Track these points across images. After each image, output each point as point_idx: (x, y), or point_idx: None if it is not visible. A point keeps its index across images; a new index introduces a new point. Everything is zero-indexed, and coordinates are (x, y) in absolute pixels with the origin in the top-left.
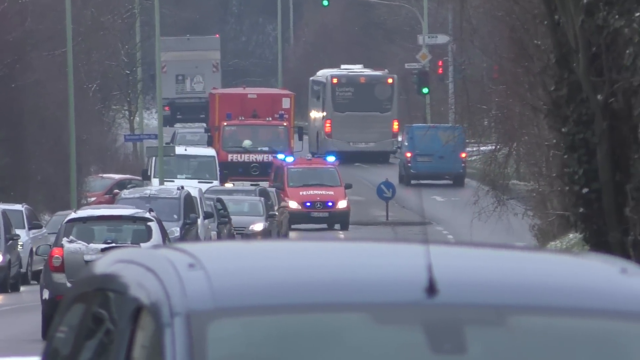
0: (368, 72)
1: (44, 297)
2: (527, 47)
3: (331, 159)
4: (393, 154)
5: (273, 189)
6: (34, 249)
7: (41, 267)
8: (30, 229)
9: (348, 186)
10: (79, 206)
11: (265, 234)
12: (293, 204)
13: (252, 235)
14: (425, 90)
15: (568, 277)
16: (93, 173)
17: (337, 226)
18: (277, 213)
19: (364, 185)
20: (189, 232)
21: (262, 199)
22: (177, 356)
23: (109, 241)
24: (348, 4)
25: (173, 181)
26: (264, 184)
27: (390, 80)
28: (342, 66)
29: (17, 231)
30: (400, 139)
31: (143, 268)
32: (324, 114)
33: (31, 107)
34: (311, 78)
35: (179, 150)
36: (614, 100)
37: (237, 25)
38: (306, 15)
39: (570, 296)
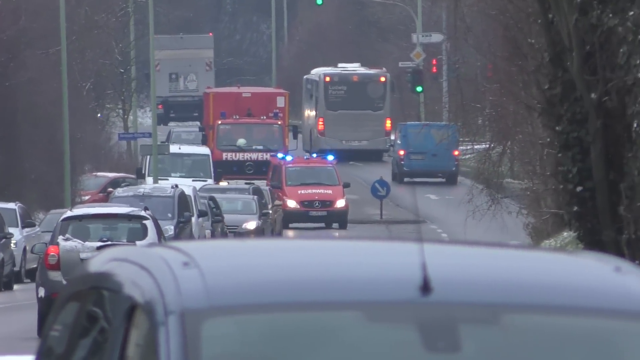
0: (361, 70)
1: (39, 295)
2: (521, 45)
3: (330, 157)
4: (386, 152)
5: (267, 188)
6: (28, 248)
7: (35, 266)
8: (23, 227)
9: (346, 185)
10: (73, 205)
11: (259, 232)
12: (291, 203)
13: (245, 234)
14: (419, 88)
15: (562, 276)
16: (87, 171)
17: (335, 225)
18: (270, 211)
19: (358, 183)
20: (183, 231)
21: (256, 197)
22: (172, 354)
23: (104, 239)
24: (342, 2)
25: (167, 179)
26: (261, 183)
27: (382, 79)
28: (339, 64)
29: (11, 230)
30: (393, 137)
31: (137, 266)
32: (317, 112)
33: (25, 106)
34: (305, 76)
35: (173, 148)
36: (607, 99)
37: (231, 23)
38: (300, 14)
39: (564, 294)
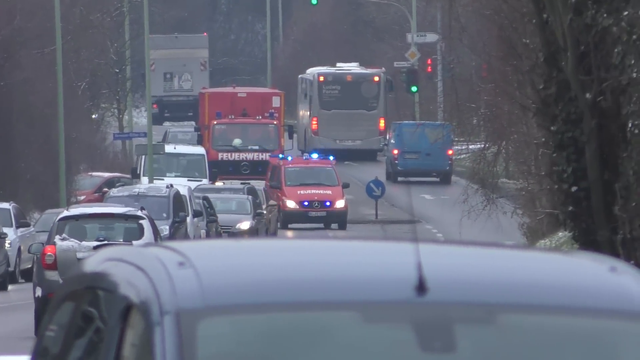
0: (355, 70)
1: (36, 295)
2: (515, 45)
3: (331, 158)
4: (380, 152)
5: (262, 188)
6: (22, 248)
7: (29, 266)
8: (18, 227)
9: (345, 185)
10: (69, 204)
11: (252, 232)
12: (291, 203)
13: (239, 234)
14: (414, 88)
15: (557, 276)
16: (82, 171)
17: (334, 225)
18: (265, 211)
19: (352, 183)
20: (178, 231)
21: (250, 197)
22: (167, 354)
23: (101, 239)
24: (337, 2)
25: (162, 179)
26: (256, 183)
27: (376, 79)
28: (338, 64)
29: (5, 229)
30: (388, 136)
31: (133, 266)
32: (311, 111)
33: (20, 106)
34: (300, 76)
35: (168, 148)
36: (602, 98)
37: (226, 23)
38: (295, 14)
39: (560, 294)
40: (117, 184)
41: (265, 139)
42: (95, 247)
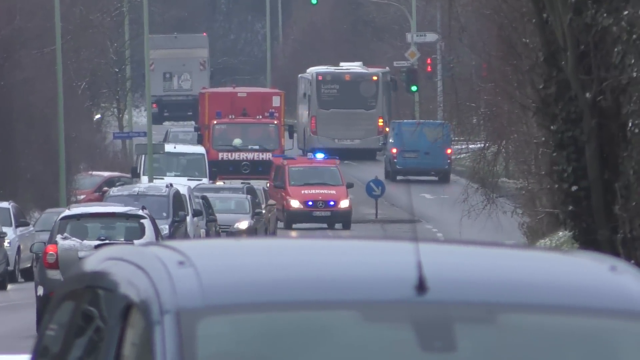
0: (354, 69)
1: (38, 294)
2: (515, 45)
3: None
4: (379, 151)
5: (261, 188)
6: (22, 247)
7: (28, 265)
8: (17, 226)
9: (349, 185)
10: (69, 204)
11: (251, 232)
12: (295, 203)
13: (237, 233)
14: (414, 88)
15: (557, 275)
16: (82, 171)
17: (338, 225)
18: (264, 211)
19: (352, 182)
20: (177, 230)
21: (249, 196)
22: (167, 354)
23: (102, 238)
24: (336, 2)
25: (162, 179)
26: (256, 183)
27: (375, 78)
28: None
29: (4, 229)
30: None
31: (133, 265)
32: (309, 111)
33: (20, 105)
34: (300, 75)
35: (168, 147)
36: (602, 98)
37: (225, 23)
38: (295, 13)
39: (560, 294)
40: (117, 184)
41: (265, 139)
42: (97, 246)
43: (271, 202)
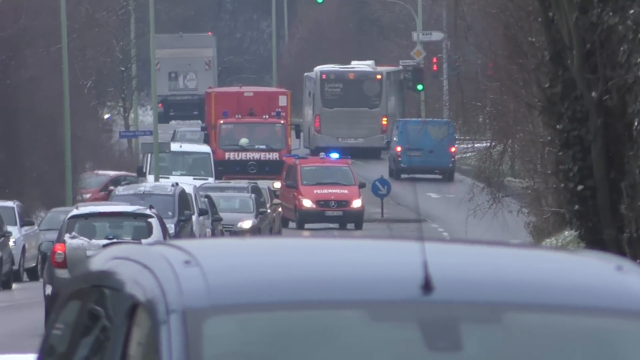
0: (359, 68)
1: (46, 293)
2: (521, 44)
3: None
4: (384, 150)
5: (266, 187)
6: (27, 246)
7: (34, 264)
8: (22, 225)
9: (362, 185)
10: (74, 203)
11: (254, 231)
12: (307, 203)
13: (241, 233)
14: (420, 87)
15: (563, 275)
16: (88, 170)
17: (350, 225)
18: (269, 210)
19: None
20: (183, 229)
21: (253, 196)
22: (173, 353)
23: (110, 237)
24: (342, 0)
25: (168, 178)
26: (262, 182)
27: (379, 77)
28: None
29: (9, 228)
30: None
31: (139, 265)
32: (314, 109)
33: (26, 104)
34: (305, 74)
35: (174, 146)
36: (608, 97)
37: (231, 22)
38: (300, 12)
39: (566, 294)
40: (123, 183)
41: (272, 138)
42: (105, 246)
43: (276, 201)
